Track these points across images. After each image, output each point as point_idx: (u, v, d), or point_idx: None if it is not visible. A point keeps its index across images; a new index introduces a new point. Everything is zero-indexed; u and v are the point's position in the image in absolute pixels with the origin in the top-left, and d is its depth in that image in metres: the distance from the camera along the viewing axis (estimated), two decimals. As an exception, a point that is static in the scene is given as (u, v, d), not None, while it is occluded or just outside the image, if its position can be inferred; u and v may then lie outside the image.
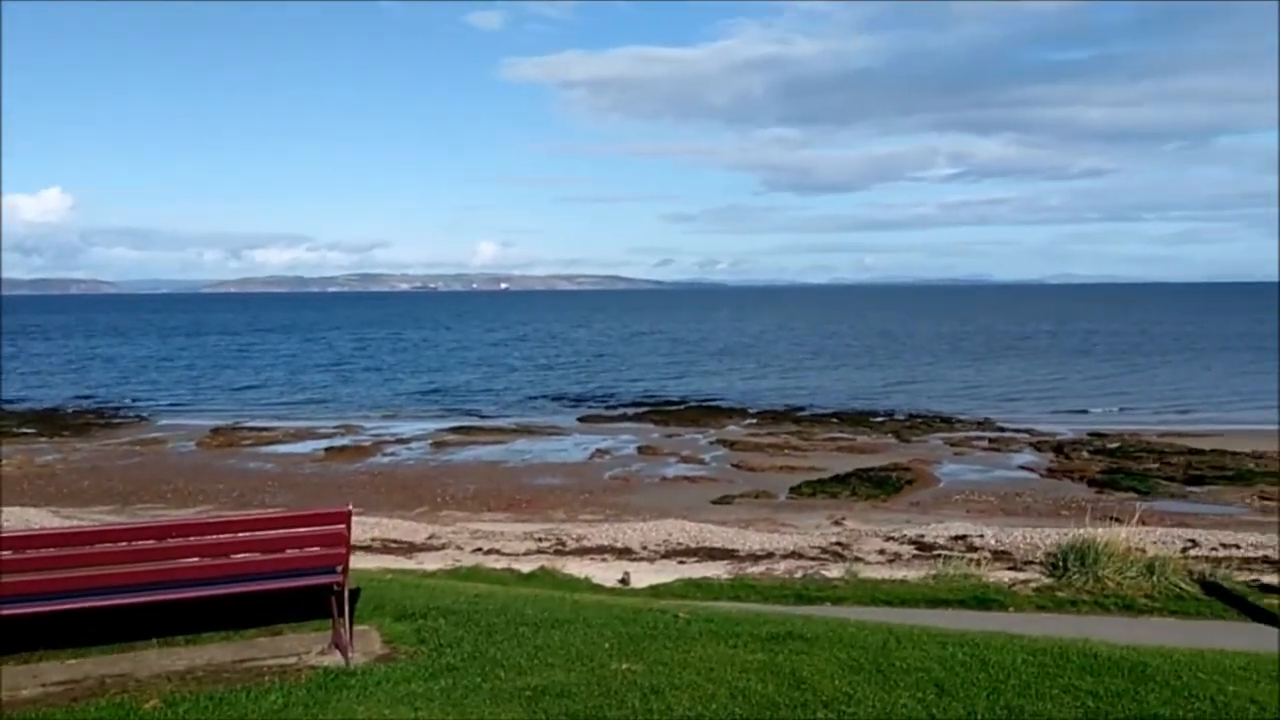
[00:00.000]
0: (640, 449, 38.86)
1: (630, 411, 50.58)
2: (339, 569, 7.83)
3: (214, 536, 7.70)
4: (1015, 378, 67.52)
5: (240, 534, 7.80)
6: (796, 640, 7.77)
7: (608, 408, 52.49)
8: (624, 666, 7.05)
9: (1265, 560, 21.13)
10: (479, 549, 23.12)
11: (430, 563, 21.23)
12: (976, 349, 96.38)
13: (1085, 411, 50.11)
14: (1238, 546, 22.53)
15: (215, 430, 43.89)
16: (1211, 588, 17.28)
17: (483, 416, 49.33)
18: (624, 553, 23.04)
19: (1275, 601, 16.86)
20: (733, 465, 35.57)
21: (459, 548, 23.28)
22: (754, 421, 46.90)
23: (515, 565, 21.13)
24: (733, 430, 44.13)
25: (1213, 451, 36.22)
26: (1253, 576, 19.19)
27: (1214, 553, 21.77)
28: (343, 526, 7.78)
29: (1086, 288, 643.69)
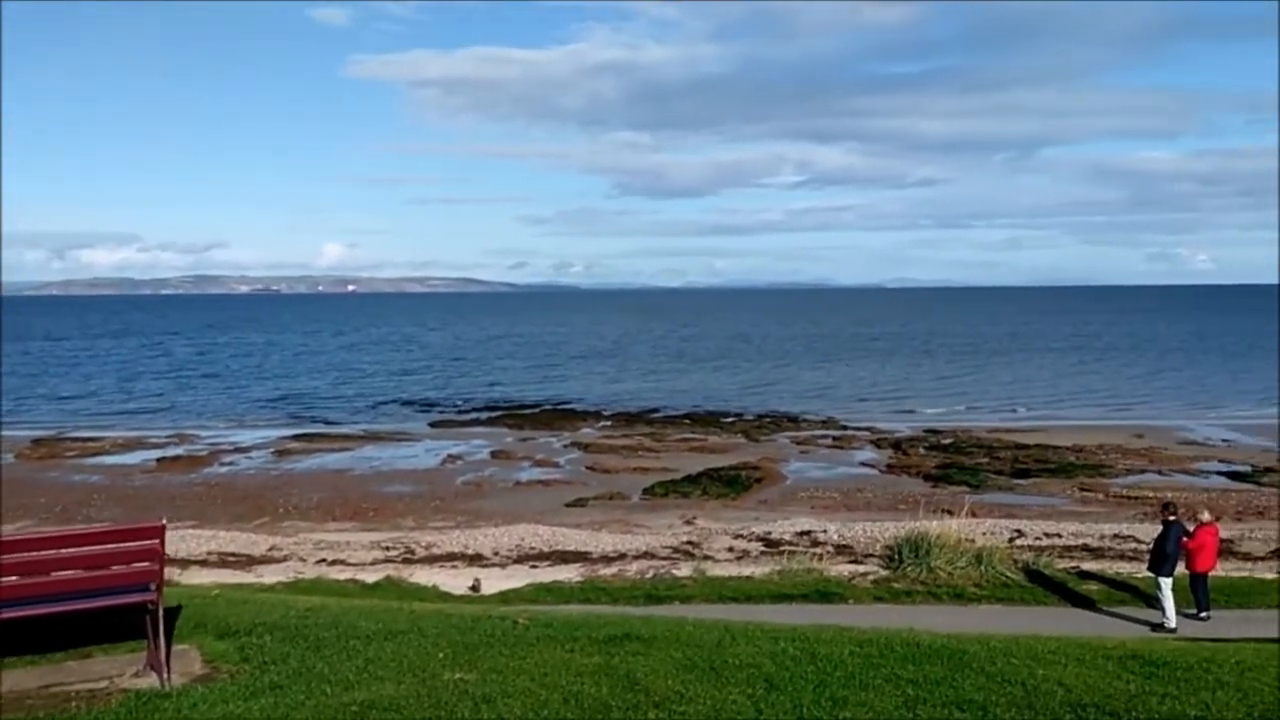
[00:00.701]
0: (494, 453, 38.50)
1: (484, 416, 50.07)
2: (153, 586, 7.42)
3: (12, 555, 7.18)
4: (863, 378, 69.76)
5: (44, 552, 7.30)
6: (634, 641, 7.76)
7: (460, 412, 51.83)
8: (457, 676, 6.90)
9: (1084, 548, 22.33)
10: (322, 560, 22.46)
11: (270, 575, 20.49)
12: (826, 350, 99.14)
13: (915, 410, 51.94)
14: (1059, 535, 23.76)
15: (37, 441, 41.45)
16: (1035, 575, 18.19)
17: (329, 423, 47.99)
18: (475, 559, 22.76)
19: (1093, 587, 17.88)
20: (587, 468, 35.62)
21: (301, 559, 22.56)
22: (608, 424, 47.06)
23: (360, 576, 20.61)
24: (587, 433, 44.18)
25: (1037, 446, 38.16)
26: (1073, 564, 20.27)
27: (1038, 542, 22.92)
28: (156, 542, 7.38)
29: (923, 291, 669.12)
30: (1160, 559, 15.77)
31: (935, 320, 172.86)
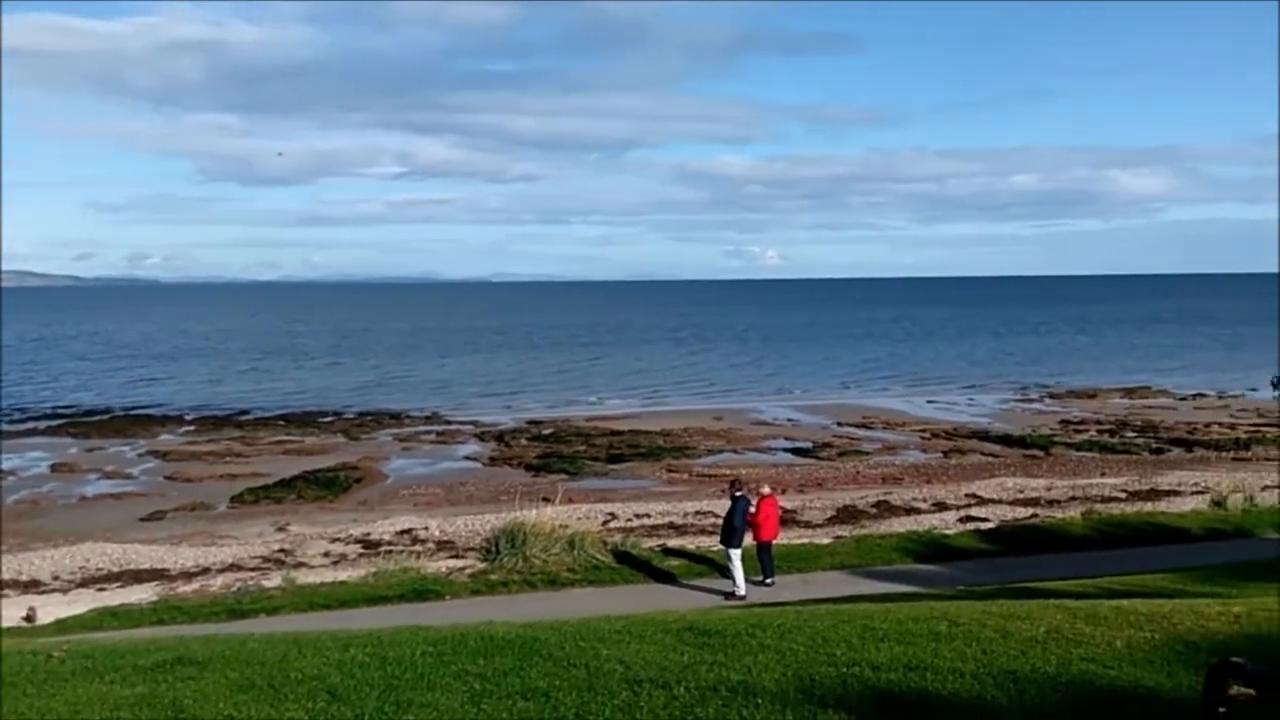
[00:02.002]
0: (54, 466, 34.51)
1: (42, 425, 44.66)
2: None
3: None
4: (473, 373, 70.11)
5: None
6: (187, 665, 7.08)
7: (13, 423, 45.72)
8: (-37, 727, 5.93)
9: (670, 526, 23.79)
10: None
11: None
12: (436, 345, 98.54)
13: (522, 403, 52.99)
14: (649, 515, 25.15)
15: None
16: (623, 556, 18.99)
17: None
18: (31, 586, 20.30)
19: (675, 563, 19.00)
20: (166, 478, 32.93)
21: None
22: (192, 429, 43.83)
23: (-126, 619, 17.67)
24: (167, 439, 40.86)
25: (630, 432, 40.26)
26: (660, 541, 21.45)
27: (629, 523, 24.12)
28: None
29: (527, 285, 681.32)
30: (729, 532, 17.06)
31: (543, 314, 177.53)
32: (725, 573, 17.43)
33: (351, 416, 47.16)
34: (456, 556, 20.76)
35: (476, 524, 24.05)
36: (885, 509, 25.48)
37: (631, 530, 22.53)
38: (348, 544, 23.50)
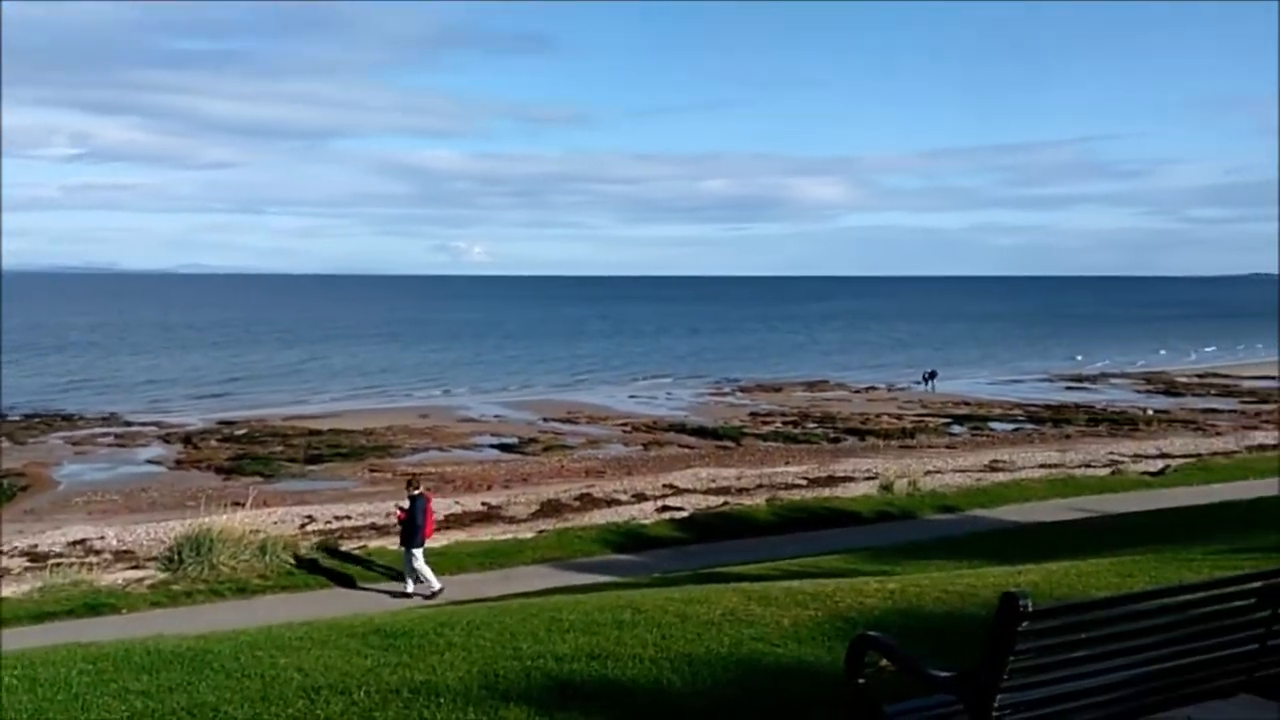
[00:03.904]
0: None
1: None
2: None
3: None
4: (161, 369, 65.78)
5: None
6: None
7: None
8: None
9: (372, 527, 23.22)
10: None
11: None
12: (122, 341, 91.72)
13: (212, 402, 50.17)
14: (349, 517, 24.44)
15: None
16: (318, 560, 18.37)
17: None
18: None
19: (372, 565, 18.59)
20: None
21: None
22: None
23: None
24: None
25: (331, 431, 38.95)
26: (360, 543, 20.89)
27: (329, 525, 23.36)
28: None
29: (219, 277, 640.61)
30: (411, 532, 17.03)
31: (238, 308, 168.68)
32: (407, 574, 17.31)
33: (16, 419, 42.79)
34: (136, 567, 19.44)
35: (159, 531, 22.61)
36: (588, 501, 26.05)
37: (331, 533, 21.89)
38: (11, 557, 21.54)
